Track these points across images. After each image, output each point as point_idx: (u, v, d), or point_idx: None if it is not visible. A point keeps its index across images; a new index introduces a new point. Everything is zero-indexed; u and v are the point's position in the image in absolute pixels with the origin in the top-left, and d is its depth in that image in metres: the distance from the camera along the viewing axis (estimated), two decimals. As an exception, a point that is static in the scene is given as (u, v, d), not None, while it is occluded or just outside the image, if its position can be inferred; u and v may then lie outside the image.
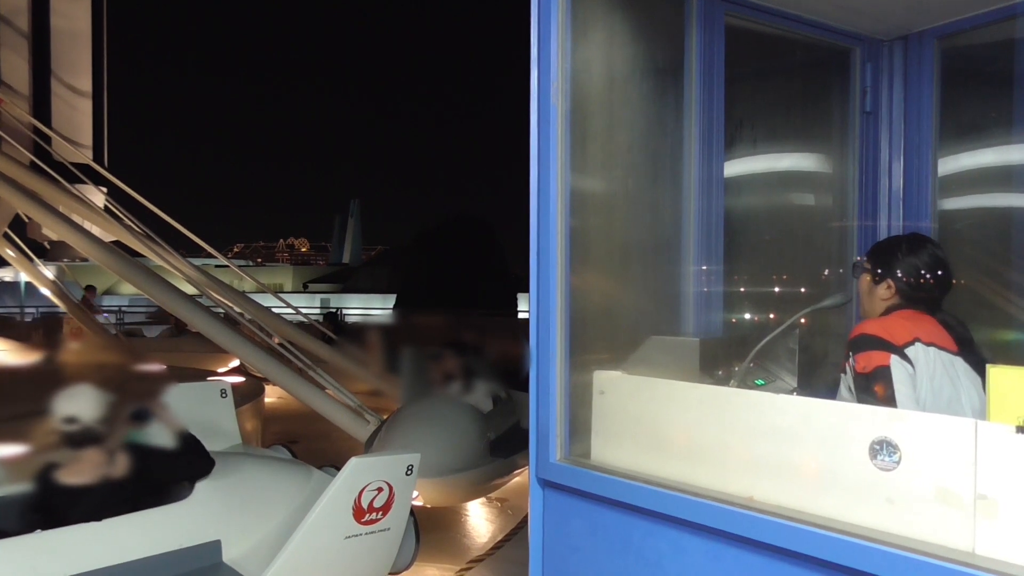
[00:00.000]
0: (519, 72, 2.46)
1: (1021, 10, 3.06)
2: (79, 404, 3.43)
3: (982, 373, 2.24)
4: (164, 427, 3.78)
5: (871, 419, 1.73)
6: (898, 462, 1.66)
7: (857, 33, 3.54)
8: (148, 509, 3.48)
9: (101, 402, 3.47)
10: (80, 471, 3.40)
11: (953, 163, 3.52)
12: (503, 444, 6.01)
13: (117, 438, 3.52)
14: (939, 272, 2.41)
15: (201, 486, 3.71)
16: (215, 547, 3.64)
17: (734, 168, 3.34)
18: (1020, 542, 1.48)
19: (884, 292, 2.46)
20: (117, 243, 9.22)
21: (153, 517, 3.49)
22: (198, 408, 4.76)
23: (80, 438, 3.39)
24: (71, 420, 3.38)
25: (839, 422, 1.79)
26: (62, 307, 12.24)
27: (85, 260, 9.04)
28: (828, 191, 3.80)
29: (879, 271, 2.48)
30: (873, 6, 3.27)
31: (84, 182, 9.93)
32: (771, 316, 3.56)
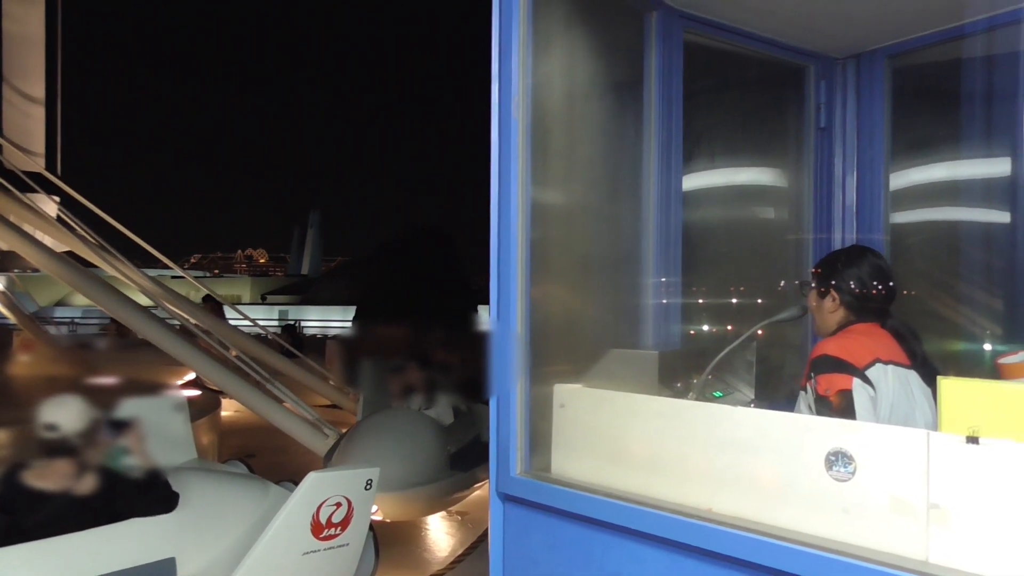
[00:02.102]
0: (480, 83, 2.47)
1: (967, 31, 3.15)
2: (62, 413, 3.40)
3: (932, 384, 2.29)
4: (135, 460, 3.73)
5: (826, 430, 1.75)
6: (853, 473, 1.68)
7: (811, 51, 3.62)
8: (102, 526, 3.40)
9: (84, 415, 3.45)
10: (44, 479, 3.35)
11: (904, 178, 3.61)
12: (463, 457, 5.99)
13: (90, 455, 3.47)
14: (880, 280, 2.45)
15: None
16: (169, 565, 3.56)
17: (692, 182, 3.39)
18: (971, 550, 1.51)
19: (830, 305, 2.50)
20: (70, 253, 9.03)
21: (106, 534, 3.41)
22: (152, 422, 4.67)
23: (54, 447, 3.36)
24: (51, 427, 3.36)
25: (795, 434, 1.81)
26: (12, 319, 11.92)
27: (36, 271, 8.85)
28: (784, 205, 3.87)
29: (822, 285, 2.53)
30: (826, 25, 3.34)
31: (36, 191, 9.72)
32: (729, 328, 3.60)
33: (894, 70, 3.55)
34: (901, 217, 3.61)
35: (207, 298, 12.07)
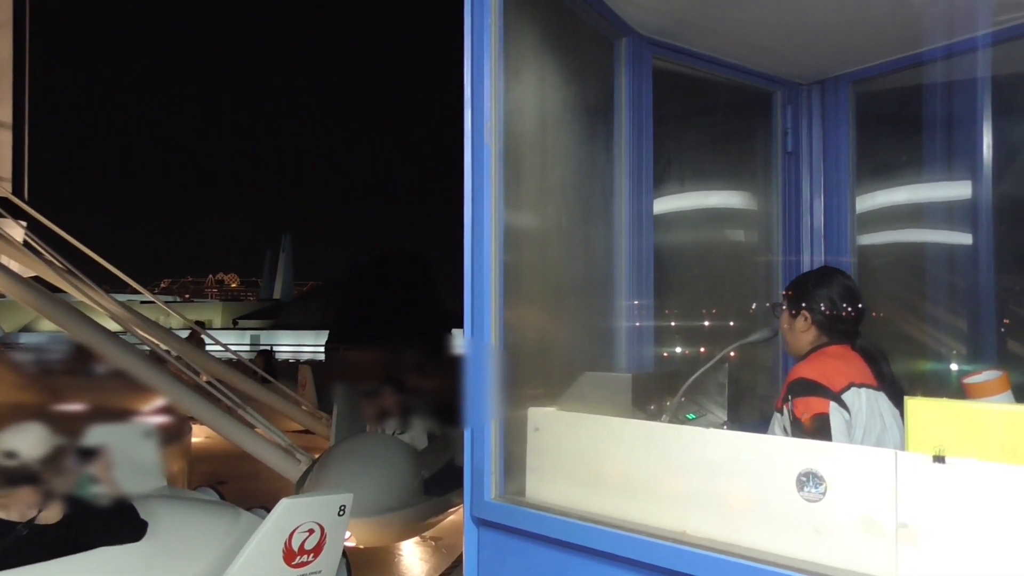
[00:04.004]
0: (453, 106, 2.48)
1: (926, 58, 3.24)
2: (22, 440, 3.34)
3: (899, 404, 2.33)
4: (103, 488, 3.66)
5: (798, 451, 1.77)
6: (824, 493, 1.70)
7: (778, 77, 3.69)
8: (69, 555, 3.34)
9: (45, 442, 3.39)
10: (5, 508, 3.28)
11: (870, 201, 3.68)
12: (437, 482, 5.96)
13: (54, 482, 3.40)
14: (850, 301, 2.50)
15: None
16: (138, 594, 3.50)
17: (663, 205, 3.42)
18: (939, 568, 1.53)
19: (802, 325, 2.55)
20: (37, 279, 8.90)
21: (74, 564, 3.34)
22: (120, 450, 4.60)
23: (14, 475, 3.29)
24: (11, 455, 3.30)
25: (767, 455, 1.83)
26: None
27: (2, 296, 8.70)
28: (754, 228, 3.92)
29: (794, 306, 2.57)
30: (792, 52, 3.41)
31: (2, 216, 9.59)
32: (701, 350, 3.63)
33: (858, 95, 3.63)
34: (867, 239, 3.67)
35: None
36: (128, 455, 4.64)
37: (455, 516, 6.19)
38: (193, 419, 8.02)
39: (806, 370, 2.40)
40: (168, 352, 8.28)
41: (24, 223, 10.26)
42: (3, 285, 7.73)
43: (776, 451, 1.82)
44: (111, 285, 10.63)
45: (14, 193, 10.84)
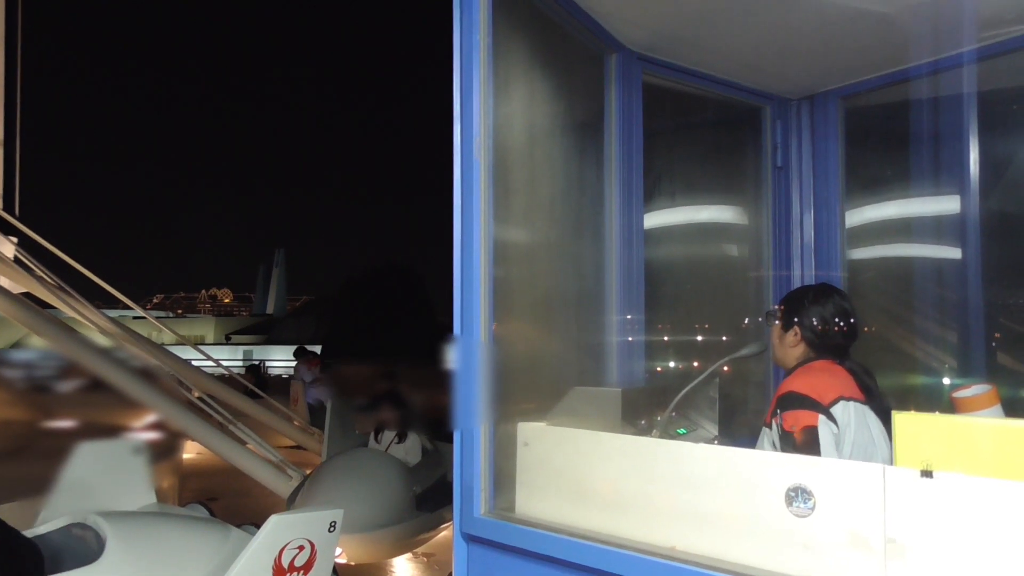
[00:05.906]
0: (446, 122, 2.48)
1: (912, 73, 3.26)
2: None
3: (886, 419, 2.33)
4: None
5: (787, 466, 1.77)
6: (813, 508, 1.70)
7: (767, 92, 3.71)
8: (56, 574, 3.30)
9: None
10: None
11: (859, 215, 3.69)
12: (429, 497, 5.93)
13: None
14: (843, 321, 2.50)
15: (111, 548, 3.53)
16: (126, 613, 3.46)
17: (654, 220, 3.43)
18: (927, 583, 1.53)
19: (791, 339, 2.55)
20: (27, 295, 8.86)
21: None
22: (109, 467, 4.57)
23: None
24: None
25: (757, 470, 1.82)
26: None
27: (-8, 313, 8.64)
28: (744, 242, 3.93)
29: (787, 320, 2.57)
30: (781, 67, 3.43)
31: (-8, 233, 9.56)
32: (693, 364, 3.63)
33: (847, 110, 3.65)
34: (857, 254, 3.69)
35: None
36: (118, 471, 4.61)
37: (448, 532, 6.15)
38: (184, 435, 7.98)
39: (795, 384, 2.40)
40: (160, 368, 8.23)
41: (15, 239, 10.22)
42: (-7, 301, 7.69)
43: (765, 466, 1.82)
44: (103, 301, 10.60)
45: (5, 209, 10.80)
